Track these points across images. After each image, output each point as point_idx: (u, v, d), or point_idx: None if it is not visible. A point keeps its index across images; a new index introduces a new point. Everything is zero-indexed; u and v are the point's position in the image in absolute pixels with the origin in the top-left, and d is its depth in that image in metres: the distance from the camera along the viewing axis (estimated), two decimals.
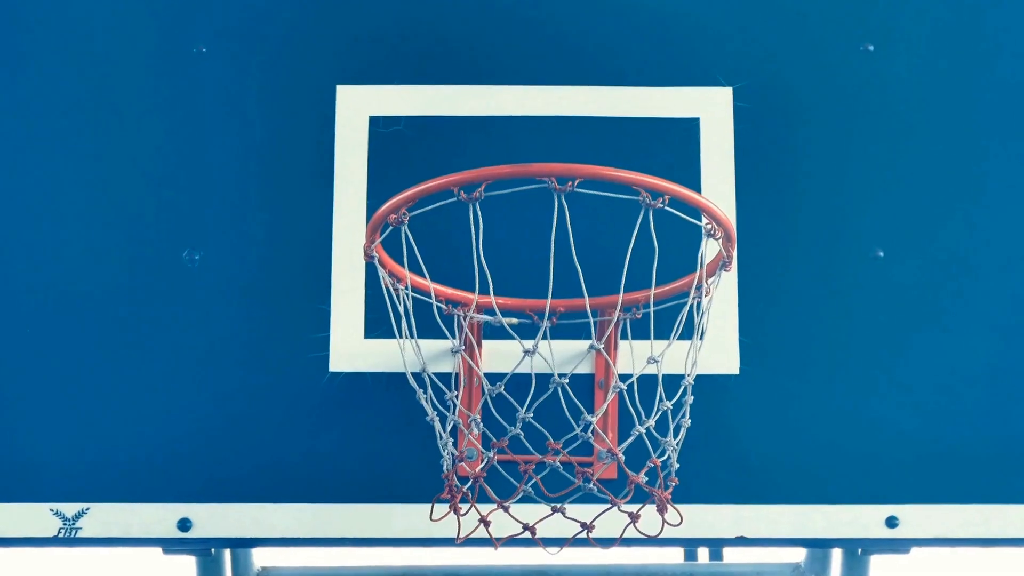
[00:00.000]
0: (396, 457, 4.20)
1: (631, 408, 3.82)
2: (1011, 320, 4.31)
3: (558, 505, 3.77)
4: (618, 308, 3.81)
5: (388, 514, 4.17)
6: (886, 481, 4.21)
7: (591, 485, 3.74)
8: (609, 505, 3.79)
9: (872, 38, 4.50)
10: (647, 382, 3.85)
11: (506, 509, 3.78)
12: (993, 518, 4.18)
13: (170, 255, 4.35)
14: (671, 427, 3.86)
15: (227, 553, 4.45)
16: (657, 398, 3.84)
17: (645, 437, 3.81)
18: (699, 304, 3.92)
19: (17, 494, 4.15)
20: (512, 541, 3.84)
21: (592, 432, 3.77)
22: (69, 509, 4.16)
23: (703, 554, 4.79)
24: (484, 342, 4.20)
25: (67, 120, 4.43)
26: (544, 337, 3.73)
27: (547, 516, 3.79)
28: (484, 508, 3.78)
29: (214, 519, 4.16)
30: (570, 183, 3.68)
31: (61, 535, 4.15)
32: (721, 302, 4.22)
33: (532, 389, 3.74)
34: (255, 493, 4.18)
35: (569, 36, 4.49)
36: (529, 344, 3.76)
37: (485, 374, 3.91)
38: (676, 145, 4.39)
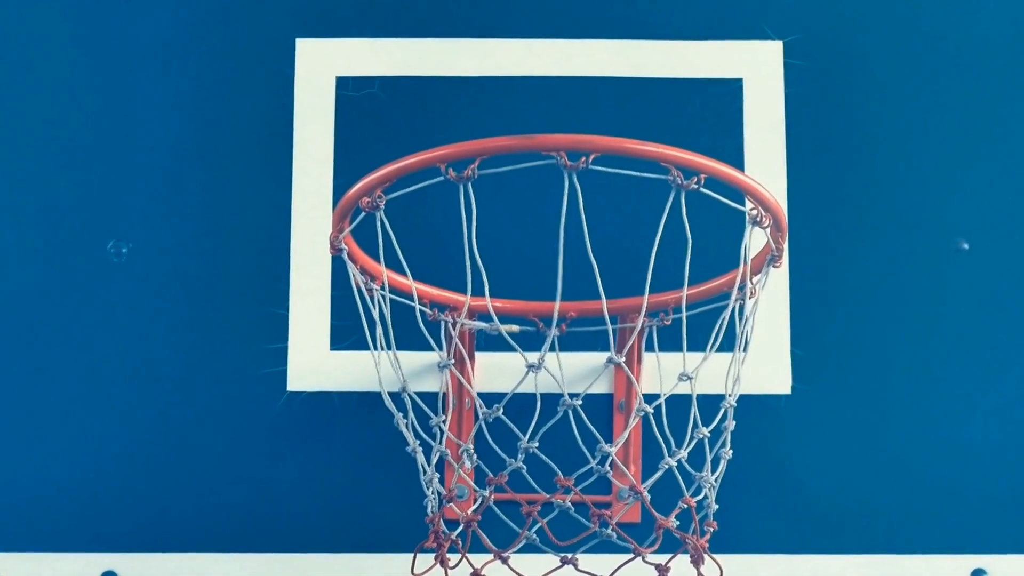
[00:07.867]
0: (369, 496, 4.11)
1: (659, 436, 3.65)
2: None
3: (569, 555, 3.61)
4: (642, 313, 3.63)
5: (360, 566, 4.07)
6: (971, 526, 4.10)
7: (609, 530, 3.59)
8: (632, 555, 3.60)
9: None
10: (678, 404, 3.67)
11: (505, 560, 3.61)
12: None
13: (92, 247, 4.24)
14: (708, 459, 3.72)
15: None
16: (691, 423, 3.67)
17: (676, 471, 3.66)
18: (742, 308, 3.82)
19: None
20: None
21: (611, 466, 3.64)
22: None
23: None
24: (478, 355, 4.11)
25: None
26: (552, 348, 3.57)
27: (556, 568, 3.61)
28: (478, 559, 3.63)
29: (145, 572, 4.07)
30: (584, 159, 3.50)
31: None
32: (769, 305, 4.11)
33: (537, 412, 3.59)
34: (195, 541, 4.09)
35: None
36: (534, 357, 3.60)
37: (479, 394, 3.76)
38: (714, 112, 4.28)
